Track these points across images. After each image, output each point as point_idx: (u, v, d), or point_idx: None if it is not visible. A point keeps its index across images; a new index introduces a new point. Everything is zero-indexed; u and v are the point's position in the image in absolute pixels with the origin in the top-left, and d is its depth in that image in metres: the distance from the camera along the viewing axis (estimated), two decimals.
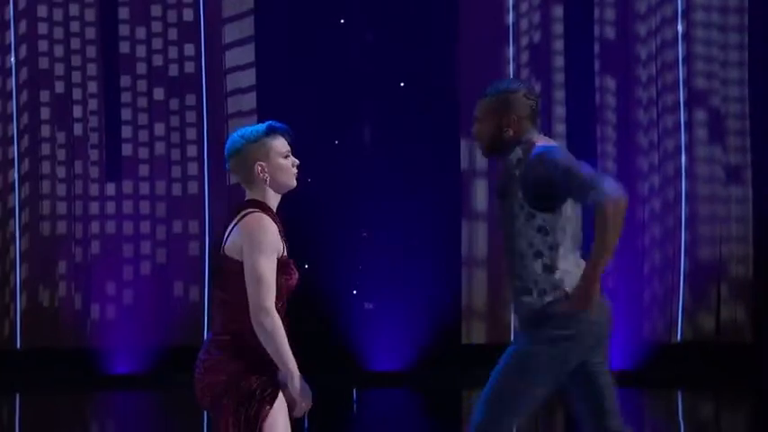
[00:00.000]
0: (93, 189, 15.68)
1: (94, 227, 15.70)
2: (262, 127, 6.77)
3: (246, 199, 6.75)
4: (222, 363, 6.62)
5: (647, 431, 13.76)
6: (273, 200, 6.71)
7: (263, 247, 6.56)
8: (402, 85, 15.61)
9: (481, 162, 15.72)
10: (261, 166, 6.66)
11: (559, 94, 15.78)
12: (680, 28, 15.72)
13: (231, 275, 6.65)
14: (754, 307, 15.73)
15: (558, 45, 15.77)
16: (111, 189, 15.65)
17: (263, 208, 6.69)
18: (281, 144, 6.72)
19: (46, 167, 15.64)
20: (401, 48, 15.57)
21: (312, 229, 14.67)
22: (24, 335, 15.61)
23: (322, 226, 15.18)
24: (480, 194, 15.79)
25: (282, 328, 6.50)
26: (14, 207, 15.58)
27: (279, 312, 6.55)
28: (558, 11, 15.75)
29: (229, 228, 6.75)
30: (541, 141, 6.75)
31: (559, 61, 15.77)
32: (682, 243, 15.79)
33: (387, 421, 13.99)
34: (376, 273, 15.37)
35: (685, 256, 15.78)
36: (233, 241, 6.65)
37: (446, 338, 15.51)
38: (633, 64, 15.76)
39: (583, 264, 6.70)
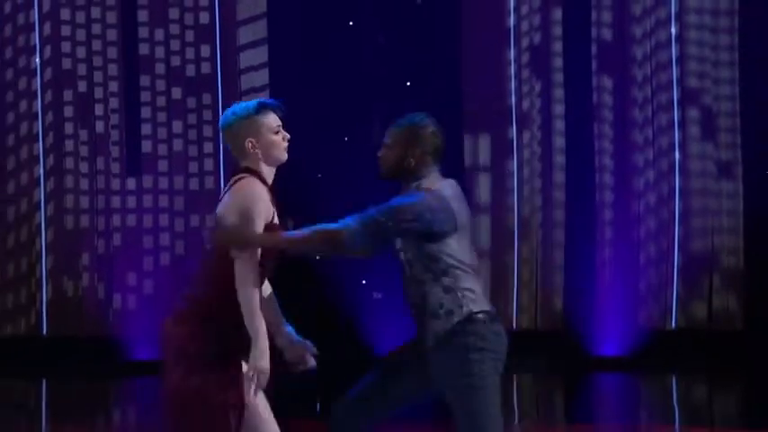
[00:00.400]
0: (115, 184, 15.70)
1: (116, 220, 15.71)
2: (252, 103, 6.73)
3: (241, 166, 6.72)
4: (186, 321, 6.58)
5: (642, 414, 13.77)
6: (267, 171, 6.68)
7: (249, 213, 6.51)
8: (408, 84, 15.55)
9: (484, 158, 15.76)
10: (251, 142, 6.62)
11: (558, 93, 15.77)
12: (673, 30, 15.70)
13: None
14: (745, 296, 15.70)
15: (558, 46, 15.75)
16: (131, 184, 15.67)
17: (255, 174, 6.64)
18: (271, 120, 6.68)
19: (69, 163, 15.65)
20: (407, 49, 15.57)
21: (322, 222, 14.61)
22: (50, 323, 15.63)
23: (332, 219, 15.08)
24: (483, 189, 15.78)
25: (257, 299, 6.43)
26: (40, 201, 15.60)
27: (263, 274, 6.52)
28: (558, 13, 15.73)
29: (222, 192, 6.73)
30: (435, 184, 6.72)
31: (558, 62, 15.76)
32: (675, 235, 15.76)
33: None
34: (384, 265, 15.34)
35: (679, 247, 15.76)
36: (224, 203, 6.62)
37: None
38: (629, 64, 15.73)
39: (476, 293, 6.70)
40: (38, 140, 15.55)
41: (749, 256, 15.67)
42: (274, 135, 6.69)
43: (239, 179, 6.63)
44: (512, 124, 15.75)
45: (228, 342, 6.51)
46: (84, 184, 15.63)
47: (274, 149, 6.69)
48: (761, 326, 15.45)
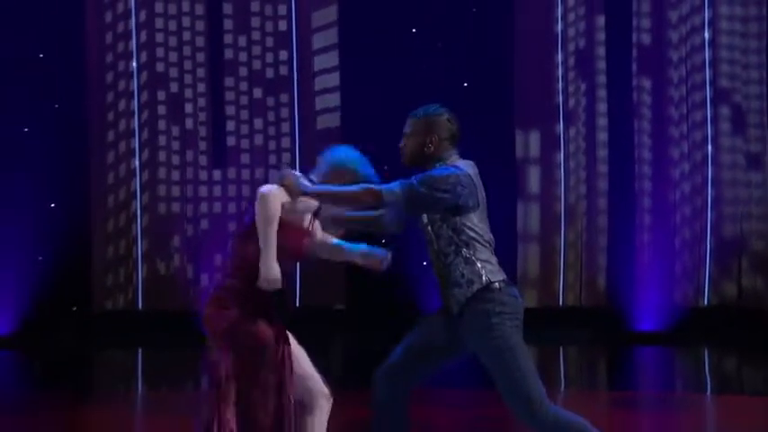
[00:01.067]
0: (202, 175, 15.78)
1: (203, 207, 15.81)
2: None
3: None
4: (225, 304, 6.60)
5: (677, 383, 13.71)
6: None
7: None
8: (465, 84, 15.55)
9: (533, 152, 15.76)
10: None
11: (602, 93, 15.76)
12: (707, 35, 15.68)
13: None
14: None
15: (601, 50, 15.75)
16: (217, 175, 15.75)
17: None
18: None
19: (162, 156, 15.74)
20: (464, 53, 15.56)
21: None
22: (145, 298, 15.75)
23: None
24: (533, 179, 15.80)
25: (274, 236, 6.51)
26: (136, 190, 15.70)
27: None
28: (601, 20, 15.71)
29: None
30: (453, 160, 6.74)
31: (602, 64, 15.74)
32: (708, 221, 15.74)
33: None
34: None
35: (711, 232, 15.75)
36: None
37: None
38: (666, 66, 15.69)
39: (494, 264, 6.71)
40: (134, 136, 15.63)
41: None
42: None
43: None
44: (559, 121, 15.75)
45: (258, 303, 6.57)
46: (176, 175, 15.73)
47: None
48: None
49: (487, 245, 6.71)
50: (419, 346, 6.78)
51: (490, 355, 6.58)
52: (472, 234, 6.65)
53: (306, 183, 6.54)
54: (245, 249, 6.64)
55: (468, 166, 6.73)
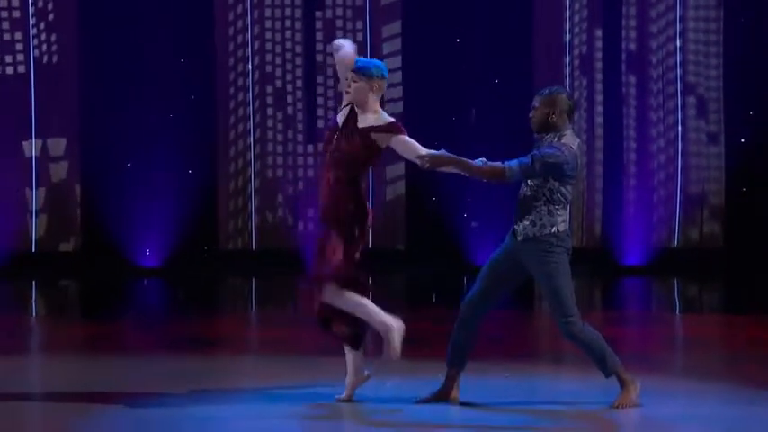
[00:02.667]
0: (299, 149, 15.63)
1: (299, 173, 15.67)
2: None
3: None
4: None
5: (654, 304, 13.72)
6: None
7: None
8: (496, 81, 15.45)
9: None
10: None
11: (599, 87, 15.63)
12: (678, 43, 15.59)
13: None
14: (725, 225, 15.63)
15: (598, 55, 15.62)
16: (310, 149, 15.58)
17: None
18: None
19: (270, 135, 15.59)
20: (496, 57, 15.38)
21: (438, 176, 14.63)
22: (257, 241, 15.63)
23: (451, 174, 14.97)
24: None
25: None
26: (251, 160, 15.57)
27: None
28: (599, 32, 15.60)
29: None
30: (567, 138, 6.57)
31: (599, 65, 15.63)
32: (678, 183, 15.67)
33: None
34: (480, 203, 15.22)
35: (680, 191, 15.68)
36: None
37: None
38: (647, 67, 15.62)
39: (566, 220, 6.62)
40: (249, 119, 15.50)
41: (728, 197, 15.58)
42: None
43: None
44: None
45: (352, 227, 6.54)
46: (279, 148, 15.58)
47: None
48: (735, 245, 15.42)
49: (567, 206, 6.60)
50: (490, 279, 6.68)
51: (544, 274, 6.53)
52: (561, 197, 6.53)
53: (450, 155, 6.39)
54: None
55: (574, 142, 6.59)
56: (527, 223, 6.57)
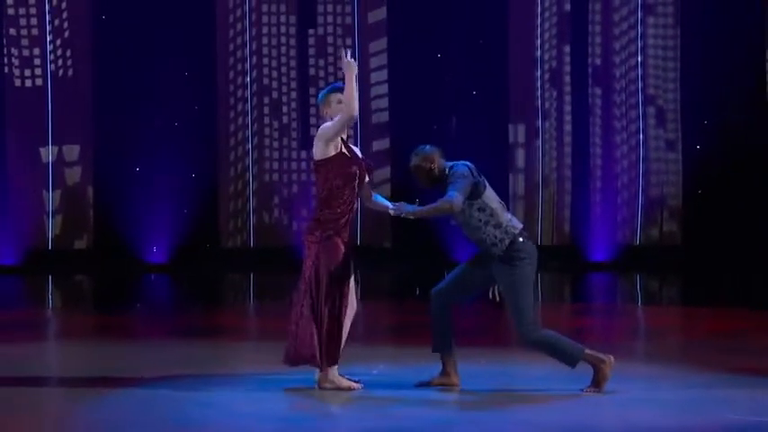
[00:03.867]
0: (293, 154, 15.65)
1: (294, 176, 15.67)
2: (335, 85, 6.60)
3: None
4: (312, 227, 6.55)
5: (619, 298, 13.69)
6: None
7: (325, 125, 6.44)
8: (474, 93, 15.53)
9: (521, 138, 15.67)
10: (325, 110, 6.56)
11: (567, 98, 15.66)
12: (639, 58, 15.65)
13: (315, 173, 6.57)
14: (683, 224, 15.65)
15: (567, 69, 15.66)
16: (303, 155, 15.53)
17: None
18: (333, 98, 6.57)
19: (266, 142, 15.62)
20: (474, 70, 15.44)
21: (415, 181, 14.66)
22: (254, 239, 15.66)
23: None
24: (520, 157, 15.69)
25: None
26: (249, 164, 15.60)
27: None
28: (567, 48, 15.64)
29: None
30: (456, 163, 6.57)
31: (567, 78, 15.68)
32: (640, 186, 15.70)
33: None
34: None
35: (642, 193, 15.70)
36: (314, 148, 6.51)
37: None
38: (611, 80, 15.68)
39: (511, 218, 6.56)
40: (248, 128, 15.56)
41: (686, 199, 15.59)
42: (336, 103, 6.54)
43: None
44: (538, 117, 15.66)
45: (330, 229, 6.49)
46: (276, 154, 15.62)
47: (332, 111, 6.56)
48: (692, 242, 15.46)
49: (501, 206, 6.57)
50: (464, 276, 6.68)
51: (508, 286, 6.51)
52: (492, 205, 6.52)
53: (411, 208, 6.35)
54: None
55: (466, 162, 6.55)
56: (489, 245, 6.52)
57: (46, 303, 13.07)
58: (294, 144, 15.65)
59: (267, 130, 15.66)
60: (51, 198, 15.24)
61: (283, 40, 15.60)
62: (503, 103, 15.59)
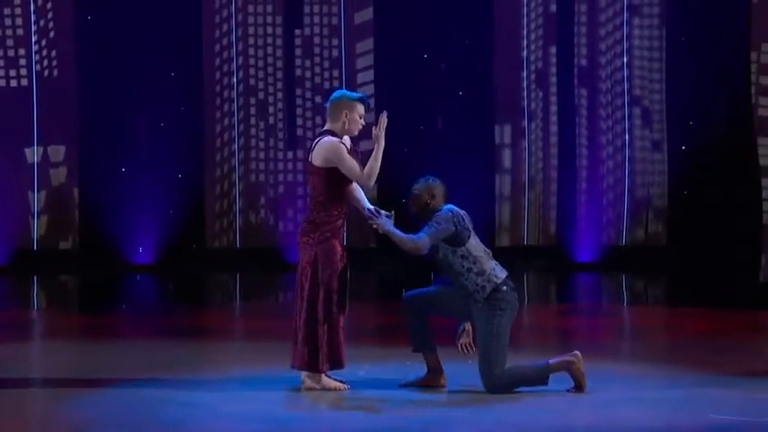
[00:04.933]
0: (280, 155, 15.56)
1: (280, 177, 15.57)
2: (357, 95, 6.65)
3: (324, 128, 6.55)
4: (308, 230, 6.55)
5: (605, 298, 13.72)
6: (342, 136, 6.51)
7: (343, 154, 6.40)
8: (460, 93, 15.42)
9: (507, 139, 15.59)
10: (346, 113, 6.51)
11: (553, 99, 15.59)
12: (625, 59, 15.60)
13: (313, 177, 6.51)
14: (668, 225, 15.63)
15: (553, 69, 15.58)
16: (290, 155, 15.51)
17: (334, 134, 6.49)
18: (362, 109, 6.54)
19: (253, 142, 15.51)
20: (460, 70, 15.38)
21: (410, 180, 14.55)
22: (241, 239, 15.50)
23: (412, 177, 15.10)
24: (506, 158, 15.63)
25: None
26: (235, 165, 15.48)
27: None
28: (553, 49, 15.57)
29: (312, 144, 6.58)
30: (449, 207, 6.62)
31: (553, 79, 15.59)
32: (625, 186, 15.66)
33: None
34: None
35: (627, 194, 15.67)
36: (316, 153, 6.45)
37: (483, 241, 15.51)
38: (597, 81, 15.62)
39: (495, 266, 6.58)
40: (234, 128, 15.44)
41: (671, 199, 15.56)
42: (359, 117, 6.52)
43: (325, 136, 6.47)
44: (524, 118, 15.59)
45: (327, 231, 6.50)
46: (262, 155, 15.50)
47: (354, 125, 6.52)
48: (678, 243, 15.40)
49: (486, 255, 6.58)
50: (440, 298, 6.69)
51: (484, 333, 6.51)
52: (475, 254, 6.53)
53: (384, 223, 6.37)
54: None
55: (453, 208, 6.58)
56: (471, 292, 6.53)
57: (31, 304, 13.00)
58: (281, 144, 15.58)
59: (253, 131, 15.54)
60: (36, 198, 15.17)
61: (270, 40, 15.53)
62: (489, 104, 15.51)
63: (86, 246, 15.15)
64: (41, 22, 15.12)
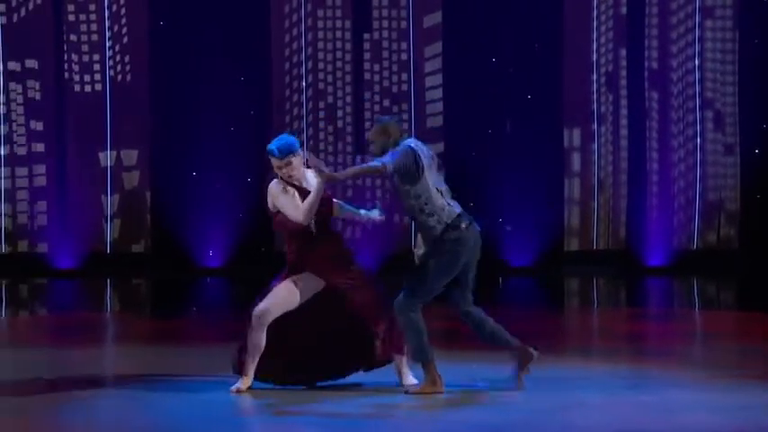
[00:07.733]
0: (348, 158, 15.45)
1: (348, 181, 14.12)
2: (268, 148, 6.74)
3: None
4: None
5: (677, 302, 13.65)
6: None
7: (281, 198, 6.59)
8: (529, 97, 15.45)
9: (576, 142, 15.60)
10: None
11: (623, 102, 15.56)
12: (696, 62, 15.54)
13: (273, 219, 6.73)
14: (740, 229, 15.54)
15: (623, 73, 15.56)
16: (358, 159, 15.30)
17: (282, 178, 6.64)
18: (274, 161, 6.73)
19: (321, 145, 15.42)
20: (530, 75, 15.38)
21: (478, 183, 14.71)
22: None
23: (487, 183, 15.06)
24: (575, 162, 15.63)
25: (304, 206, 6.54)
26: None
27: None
28: (623, 52, 15.54)
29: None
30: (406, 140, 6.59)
31: (623, 82, 15.58)
32: (697, 190, 15.61)
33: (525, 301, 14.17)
34: (512, 208, 15.34)
35: (699, 198, 15.62)
36: (269, 200, 6.70)
37: (552, 246, 15.54)
38: (668, 83, 15.57)
39: (451, 202, 6.58)
40: (303, 132, 15.42)
41: (743, 203, 15.49)
42: (278, 169, 6.70)
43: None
44: (594, 121, 15.59)
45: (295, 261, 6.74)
46: (330, 158, 15.47)
47: (283, 175, 6.73)
48: (749, 247, 15.35)
49: (440, 194, 6.57)
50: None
51: (423, 264, 6.55)
52: (427, 194, 6.50)
53: (333, 173, 6.47)
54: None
55: (410, 141, 6.55)
56: (424, 231, 6.57)
57: (104, 306, 13.19)
58: (349, 148, 15.68)
59: (322, 135, 15.67)
60: (110, 202, 15.41)
61: (339, 44, 15.62)
62: (558, 107, 15.50)
63: (158, 249, 15.35)
64: (115, 28, 15.38)
